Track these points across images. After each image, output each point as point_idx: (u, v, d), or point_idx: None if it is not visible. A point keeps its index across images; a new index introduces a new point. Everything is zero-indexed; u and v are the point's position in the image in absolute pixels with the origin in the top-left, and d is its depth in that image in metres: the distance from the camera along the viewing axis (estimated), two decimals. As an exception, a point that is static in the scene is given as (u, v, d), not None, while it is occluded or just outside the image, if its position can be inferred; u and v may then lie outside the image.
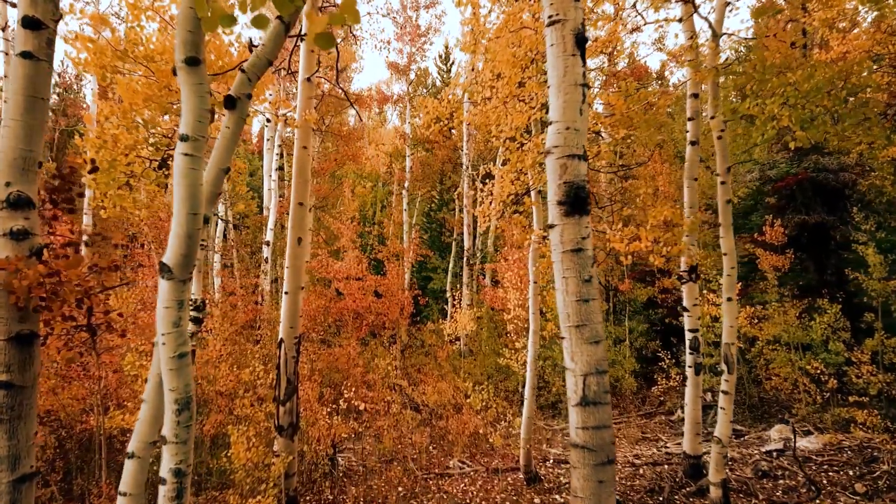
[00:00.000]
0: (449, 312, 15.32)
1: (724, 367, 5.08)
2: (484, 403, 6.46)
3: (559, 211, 2.73)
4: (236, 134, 1.85)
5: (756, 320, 8.69)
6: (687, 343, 6.02)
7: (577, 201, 2.71)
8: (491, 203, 4.93)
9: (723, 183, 5.07)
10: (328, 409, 5.89)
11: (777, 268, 8.78)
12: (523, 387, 10.38)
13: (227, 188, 16.82)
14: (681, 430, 8.89)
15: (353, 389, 6.01)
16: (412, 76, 20.09)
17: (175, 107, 4.41)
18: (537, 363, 5.96)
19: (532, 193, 6.04)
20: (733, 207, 9.89)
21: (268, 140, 13.94)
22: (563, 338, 2.77)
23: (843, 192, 9.52)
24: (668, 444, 8.03)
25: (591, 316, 2.71)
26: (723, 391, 5.10)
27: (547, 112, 5.23)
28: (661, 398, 10.21)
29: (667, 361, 9.69)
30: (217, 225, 16.12)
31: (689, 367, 5.99)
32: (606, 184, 15.18)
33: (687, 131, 6.19)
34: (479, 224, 18.93)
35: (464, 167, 16.87)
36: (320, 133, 15.56)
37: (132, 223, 12.10)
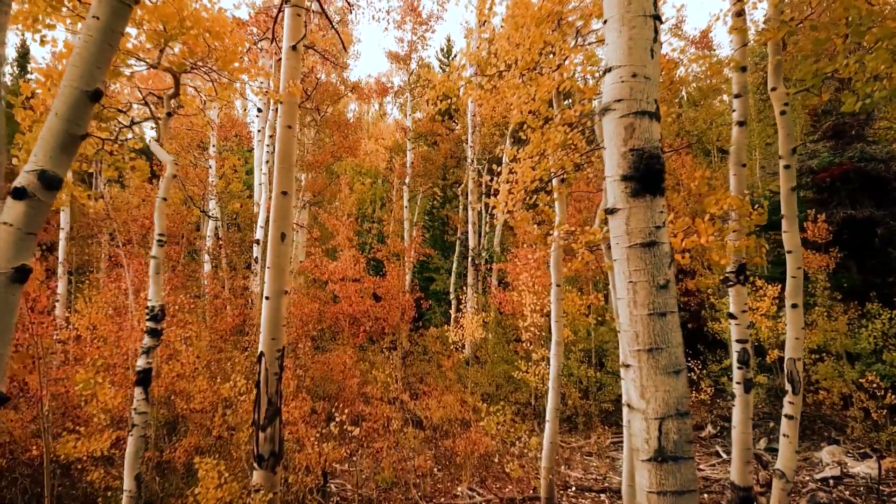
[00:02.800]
0: (453, 316, 14.60)
1: (787, 386, 4.36)
2: (499, 426, 5.74)
3: (624, 190, 2.01)
4: (112, 32, 1.14)
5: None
6: (734, 356, 5.28)
7: (649, 175, 1.99)
8: (510, 191, 4.20)
9: (787, 167, 4.34)
10: (318, 432, 5.16)
11: (821, 268, 8.05)
12: (536, 398, 9.68)
13: (219, 186, 16.23)
14: (713, 450, 8.16)
15: (347, 411, 5.29)
16: (413, 66, 19.35)
17: (128, 73, 3.67)
18: (561, 379, 5.25)
19: (554, 181, 5.32)
20: (769, 202, 9.11)
21: (258, 131, 13.27)
22: (627, 365, 2.05)
23: (892, 183, 8.77)
24: (701, 466, 7.30)
25: (668, 336, 1.99)
26: (786, 415, 4.38)
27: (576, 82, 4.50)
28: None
29: (696, 372, 8.95)
30: (208, 223, 15.44)
31: (738, 383, 5.25)
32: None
33: (733, 110, 5.46)
34: (489, 218, 18.20)
35: (468, 161, 16.16)
36: (315, 124, 14.87)
37: (113, 219, 11.38)
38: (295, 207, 13.92)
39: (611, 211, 2.08)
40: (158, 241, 3.68)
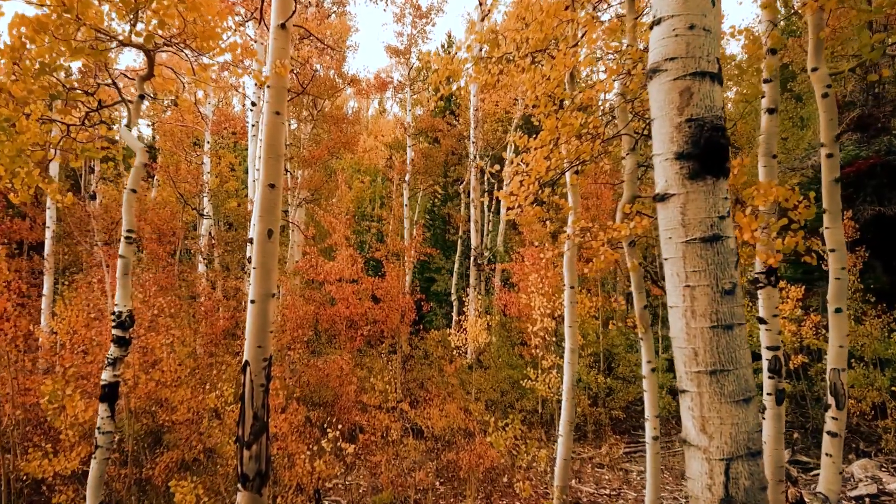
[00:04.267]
0: (454, 319, 14.21)
1: (830, 400, 3.96)
2: (508, 442, 5.35)
3: (679, 171, 1.62)
4: None
5: (825, 330, 7.55)
6: (765, 364, 4.89)
7: (711, 152, 1.60)
8: (521, 183, 3.80)
9: (829, 156, 3.95)
10: (309, 448, 4.77)
11: (848, 269, 7.63)
12: (543, 406, 9.29)
13: (213, 184, 15.82)
14: (733, 461, 7.74)
15: (341, 426, 4.90)
16: (413, 60, 18.96)
17: (89, 44, 3.28)
18: (575, 390, 4.85)
19: (568, 174, 4.93)
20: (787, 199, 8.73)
21: (252, 126, 12.87)
22: (683, 391, 1.66)
23: (921, 179, 8.37)
24: (721, 480, 6.88)
25: (735, 354, 1.61)
26: (828, 432, 3.98)
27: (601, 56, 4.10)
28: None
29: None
30: (203, 223, 15.06)
31: (769, 394, 4.85)
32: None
33: (762, 96, 5.06)
34: (492, 216, 17.80)
35: (470, 157, 15.75)
36: (312, 119, 14.47)
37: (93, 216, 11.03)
38: (290, 205, 13.54)
39: (661, 198, 1.69)
40: (126, 238, 3.30)
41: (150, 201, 15.88)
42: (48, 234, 11.64)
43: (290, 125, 15.06)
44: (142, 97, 3.72)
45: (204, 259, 13.82)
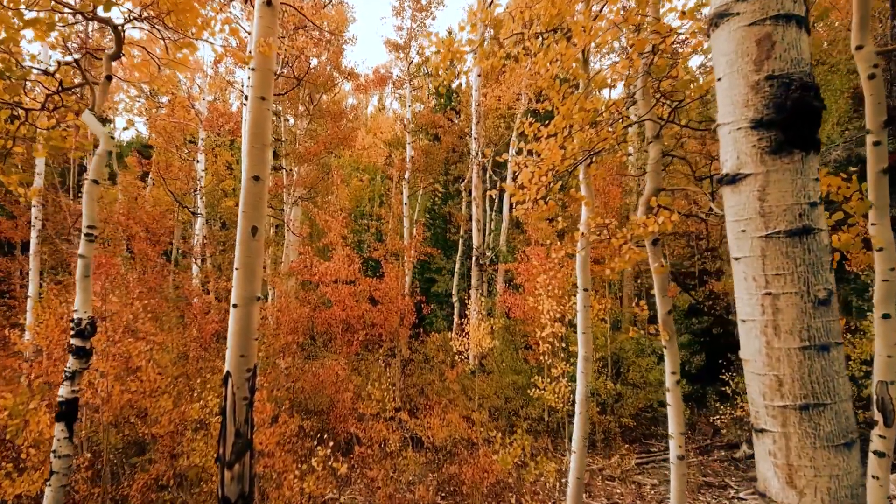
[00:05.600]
0: (455, 321, 13.84)
1: (877, 416, 3.59)
2: (517, 461, 4.98)
3: (757, 143, 1.26)
4: None
5: (850, 335, 7.20)
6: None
7: (800, 118, 1.24)
8: (533, 175, 3.44)
9: (877, 144, 3.58)
10: (298, 468, 4.40)
11: (871, 268, 7.29)
12: (549, 414, 8.92)
13: (207, 181, 15.41)
14: (750, 474, 7.38)
15: (335, 438, 4.54)
16: (413, 55, 18.58)
17: (43, 16, 2.94)
18: (589, 402, 4.48)
19: (582, 166, 4.56)
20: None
21: (246, 122, 12.54)
22: (761, 430, 1.29)
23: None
24: (741, 496, 6.53)
25: (832, 383, 1.25)
26: (874, 452, 3.60)
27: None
28: (718, 425, 8.70)
29: (732, 385, 8.16)
30: (197, 222, 14.73)
31: (801, 407, 4.47)
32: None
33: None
34: (494, 215, 17.42)
35: (472, 155, 15.38)
36: (308, 114, 14.12)
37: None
38: (286, 203, 13.18)
39: (731, 179, 1.32)
40: (87, 235, 2.93)
41: (142, 199, 15.55)
42: (33, 233, 11.30)
43: (286, 121, 14.72)
44: (109, 78, 3.36)
45: (196, 259, 13.49)
